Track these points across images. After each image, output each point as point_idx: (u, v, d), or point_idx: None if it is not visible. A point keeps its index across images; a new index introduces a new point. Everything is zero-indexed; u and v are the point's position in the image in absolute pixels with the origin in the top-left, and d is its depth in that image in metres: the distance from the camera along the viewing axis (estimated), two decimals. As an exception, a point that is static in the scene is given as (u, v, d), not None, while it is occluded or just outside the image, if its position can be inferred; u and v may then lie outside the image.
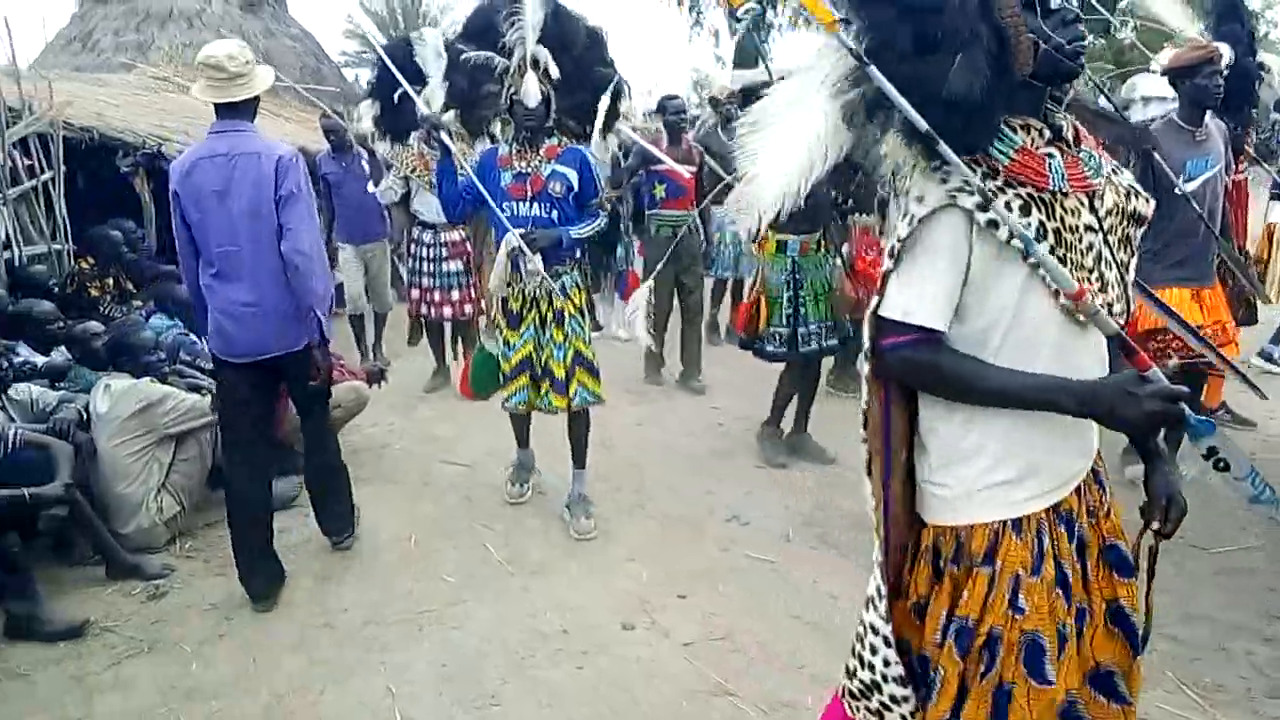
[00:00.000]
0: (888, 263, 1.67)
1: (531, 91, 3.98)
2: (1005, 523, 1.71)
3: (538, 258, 4.05)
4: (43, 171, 6.41)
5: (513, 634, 3.47)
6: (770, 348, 4.90)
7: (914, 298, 1.64)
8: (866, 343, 1.73)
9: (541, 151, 4.10)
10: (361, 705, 3.07)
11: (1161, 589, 3.66)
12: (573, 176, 4.10)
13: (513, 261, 4.11)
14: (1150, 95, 5.37)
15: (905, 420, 1.81)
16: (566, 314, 4.18)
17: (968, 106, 1.52)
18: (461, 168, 4.11)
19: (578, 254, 4.25)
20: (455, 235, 6.28)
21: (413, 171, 6.08)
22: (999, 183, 1.61)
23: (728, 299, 7.93)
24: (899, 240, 1.65)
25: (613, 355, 6.12)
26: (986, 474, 1.71)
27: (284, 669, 3.28)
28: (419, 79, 5.54)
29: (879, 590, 1.82)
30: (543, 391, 4.25)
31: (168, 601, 3.72)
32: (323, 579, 3.90)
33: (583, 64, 4.12)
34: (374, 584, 3.86)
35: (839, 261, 4.93)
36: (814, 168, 1.63)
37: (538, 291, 4.17)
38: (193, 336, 5.29)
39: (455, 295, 6.33)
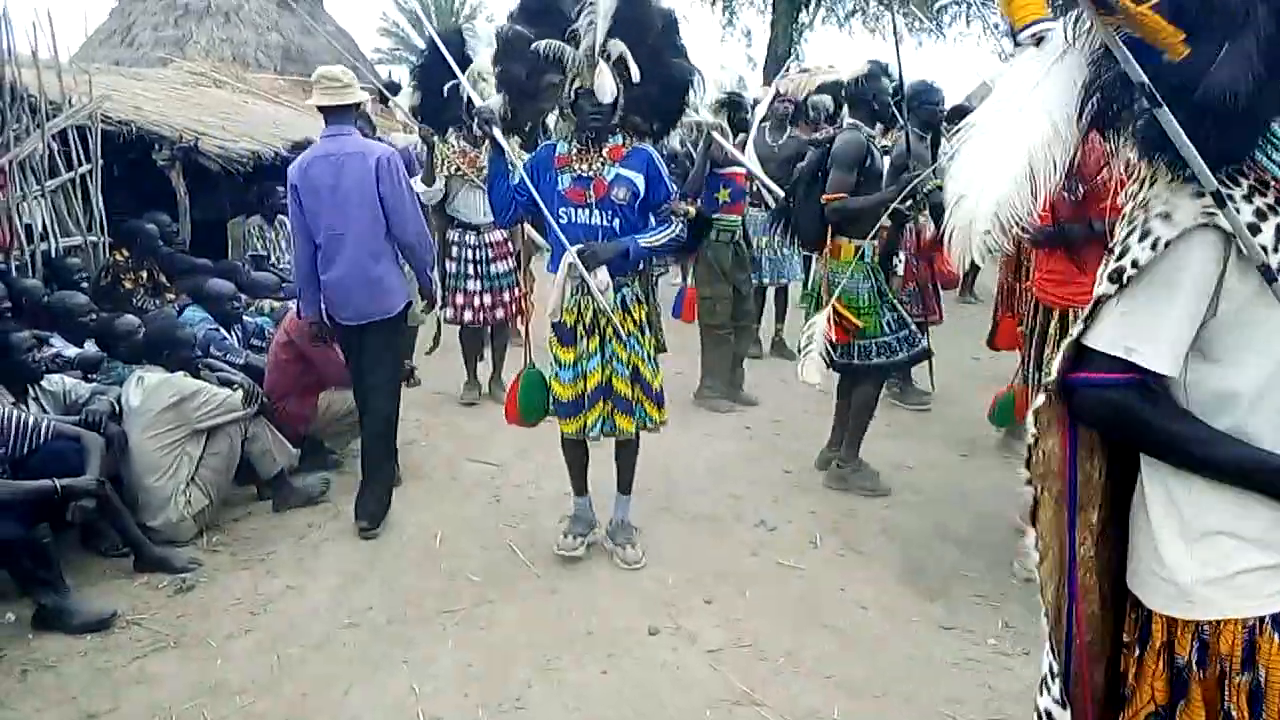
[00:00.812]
0: (1107, 285, 1.41)
1: (607, 86, 3.55)
2: (1265, 619, 1.38)
3: (602, 272, 3.64)
4: (80, 164, 6.47)
5: (538, 635, 3.46)
6: (883, 359, 4.57)
7: (1140, 332, 1.38)
8: (1054, 373, 1.49)
9: (605, 153, 3.69)
10: (385, 705, 3.06)
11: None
12: (639, 181, 3.68)
13: (575, 280, 3.70)
14: None
15: (1099, 471, 1.53)
16: (626, 330, 3.75)
17: (1232, 106, 1.26)
18: (513, 167, 3.76)
19: (640, 265, 3.86)
20: (499, 235, 5.87)
21: (456, 170, 5.73)
22: (1270, 199, 1.34)
23: (771, 308, 7.44)
24: (1132, 264, 1.38)
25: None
26: (1239, 556, 1.40)
27: (309, 667, 3.27)
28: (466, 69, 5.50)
29: (1052, 670, 1.53)
30: (610, 414, 3.79)
31: (194, 596, 3.73)
32: (349, 577, 3.90)
33: (656, 54, 3.67)
34: (399, 582, 3.86)
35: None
36: (1037, 177, 1.41)
37: (595, 307, 3.74)
38: (222, 331, 5.31)
39: (507, 296, 5.96)
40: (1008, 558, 3.96)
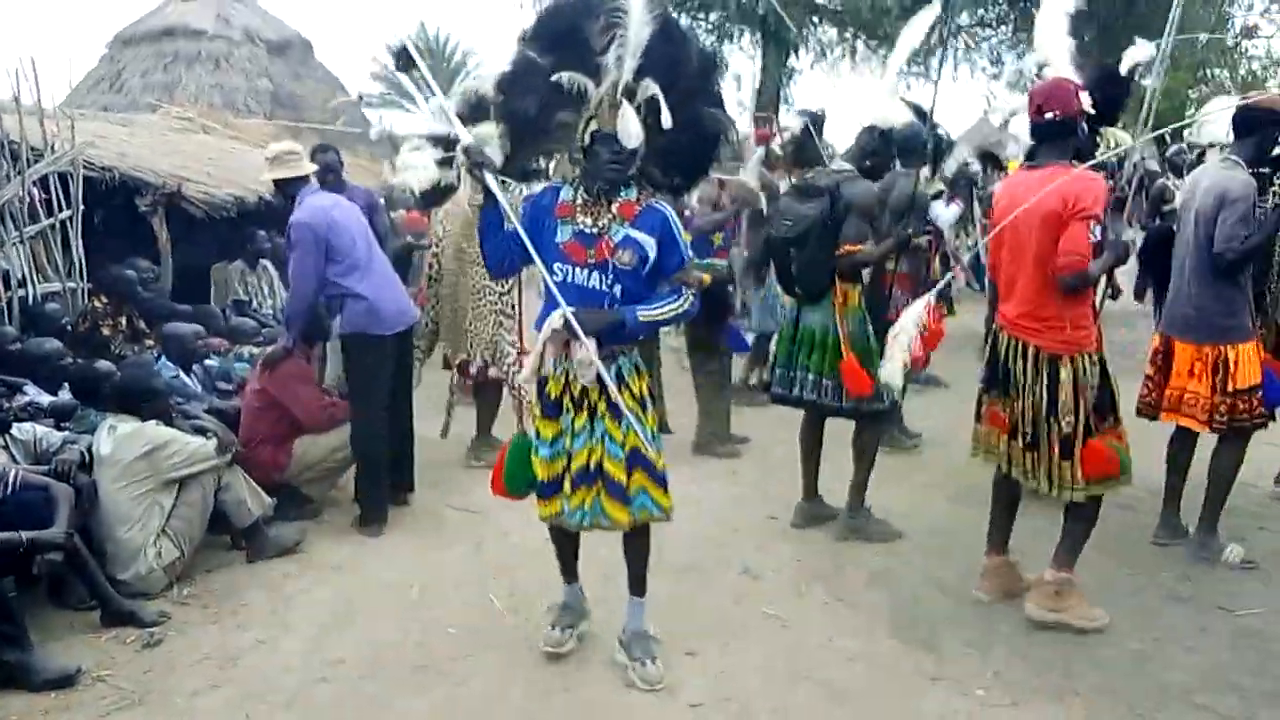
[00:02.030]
0: None
1: (632, 131, 3.10)
2: None
3: (591, 343, 3.13)
4: (61, 209, 6.43)
5: (517, 690, 3.36)
6: (880, 405, 4.53)
7: None
8: None
9: (615, 208, 3.20)
10: (355, 765, 2.96)
11: (1189, 649, 3.55)
12: (650, 246, 3.19)
13: (558, 343, 3.24)
14: None
15: None
16: (624, 404, 3.24)
17: None
18: (508, 218, 3.25)
19: (639, 337, 3.41)
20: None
21: None
22: None
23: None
24: None
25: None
26: None
27: (277, 724, 3.17)
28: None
29: None
30: (596, 500, 3.31)
31: (162, 650, 3.62)
32: (323, 629, 3.80)
33: (688, 99, 3.21)
34: (375, 635, 3.75)
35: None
36: None
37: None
38: (184, 378, 5.24)
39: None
40: (998, 605, 3.91)
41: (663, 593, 4.07)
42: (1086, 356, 3.63)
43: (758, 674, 3.46)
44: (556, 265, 3.23)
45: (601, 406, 3.27)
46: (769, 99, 15.71)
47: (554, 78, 3.14)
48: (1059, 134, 3.64)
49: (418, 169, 5.10)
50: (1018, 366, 3.72)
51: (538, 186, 3.52)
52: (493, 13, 65.13)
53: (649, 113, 3.14)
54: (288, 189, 4.92)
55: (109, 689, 3.36)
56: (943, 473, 5.59)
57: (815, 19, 16.80)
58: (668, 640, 3.66)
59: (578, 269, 3.22)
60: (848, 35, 16.89)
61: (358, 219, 5.00)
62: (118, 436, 4.06)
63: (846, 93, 16.32)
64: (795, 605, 4.01)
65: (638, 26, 3.06)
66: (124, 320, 6.06)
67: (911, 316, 3.74)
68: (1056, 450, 3.63)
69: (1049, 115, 3.62)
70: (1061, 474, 3.64)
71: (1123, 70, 4.61)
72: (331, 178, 6.17)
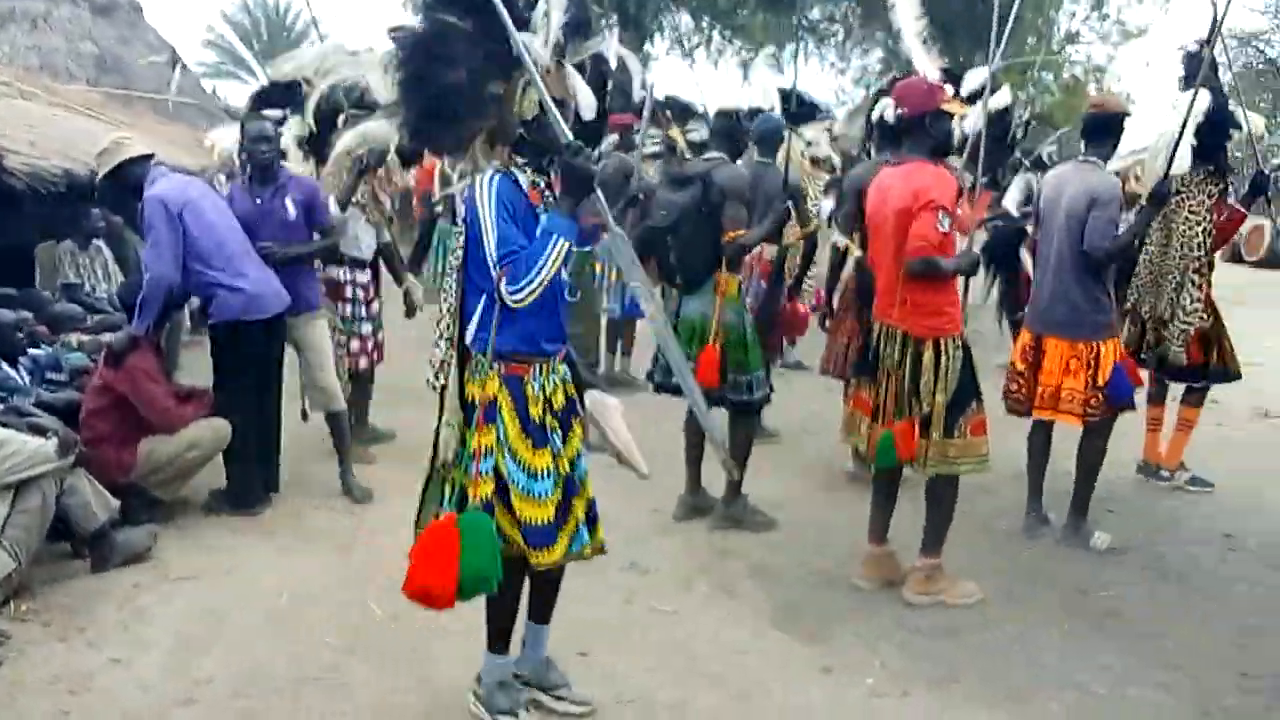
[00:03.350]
0: None
1: (588, 98, 2.79)
2: None
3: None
4: None
5: (404, 699, 3.20)
6: (749, 396, 4.57)
7: None
8: None
9: (558, 188, 2.84)
10: (232, 793, 2.75)
11: (1061, 631, 3.73)
12: None
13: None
14: None
15: None
16: (577, 403, 3.01)
17: None
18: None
19: None
20: (367, 275, 5.58)
21: (356, 202, 5.36)
22: None
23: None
24: None
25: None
26: None
27: (140, 753, 2.91)
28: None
29: None
30: (579, 522, 2.97)
31: (2, 674, 3.26)
32: (183, 644, 3.51)
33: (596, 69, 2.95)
34: (243, 649, 3.50)
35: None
36: None
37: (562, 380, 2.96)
38: (7, 370, 4.75)
39: (371, 343, 5.60)
40: (879, 593, 4.00)
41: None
42: (950, 340, 3.80)
43: (653, 674, 3.41)
44: None
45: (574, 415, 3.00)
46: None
47: (490, 42, 2.67)
48: (909, 129, 3.86)
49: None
50: (885, 350, 3.90)
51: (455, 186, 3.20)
52: (334, -17, 62.68)
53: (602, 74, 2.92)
54: (129, 177, 4.62)
55: (-62, 722, 3.01)
56: (815, 461, 5.69)
57: (673, 4, 16.91)
58: (559, 640, 3.54)
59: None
60: (704, 24, 17.06)
61: (220, 202, 4.75)
62: (-60, 438, 3.64)
63: (702, 80, 16.43)
64: (683, 599, 4.00)
65: None
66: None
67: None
68: (916, 430, 3.79)
69: (899, 111, 3.87)
70: (920, 452, 3.82)
71: (964, 93, 4.73)
72: (261, 155, 4.82)
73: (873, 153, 5.32)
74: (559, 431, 2.89)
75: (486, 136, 2.83)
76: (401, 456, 5.34)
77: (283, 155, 5.08)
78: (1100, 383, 4.28)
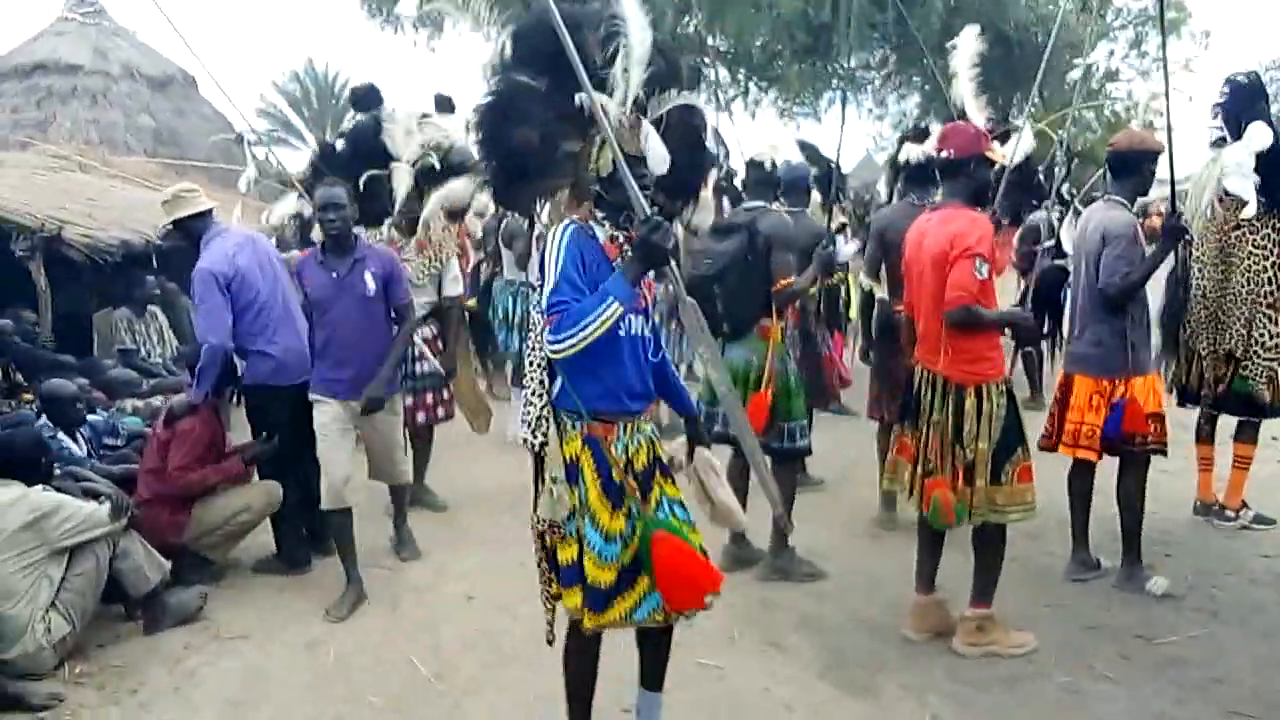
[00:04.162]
0: None
1: (661, 154, 2.68)
2: None
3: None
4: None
5: (445, 761, 3.20)
6: (793, 444, 4.58)
7: None
8: None
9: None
10: None
11: (1114, 681, 3.62)
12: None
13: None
14: None
15: None
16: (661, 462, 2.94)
17: None
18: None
19: None
20: (430, 331, 5.59)
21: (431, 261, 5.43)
22: None
23: None
24: None
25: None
26: None
27: (188, 816, 2.93)
28: (384, 160, 5.31)
29: None
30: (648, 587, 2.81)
31: (55, 738, 3.34)
32: (232, 707, 3.56)
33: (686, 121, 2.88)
34: (289, 709, 3.53)
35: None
36: None
37: (647, 440, 2.90)
38: (64, 440, 4.90)
39: (430, 399, 5.55)
40: (927, 644, 3.92)
41: (594, 647, 3.96)
42: (994, 386, 3.73)
43: (699, 730, 3.37)
44: (621, 319, 2.67)
45: (657, 474, 2.89)
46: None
47: (564, 100, 2.67)
48: (952, 172, 3.85)
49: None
50: (927, 397, 3.84)
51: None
52: (383, 49, 64.52)
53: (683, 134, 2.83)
54: (191, 231, 4.77)
55: (-6, 786, 3.06)
56: (862, 508, 5.62)
57: (706, 60, 17.09)
58: (602, 695, 3.53)
59: (636, 317, 2.80)
60: (740, 77, 17.21)
61: (270, 266, 4.80)
62: (-1, 505, 3.74)
63: (740, 132, 16.49)
64: (729, 653, 3.95)
65: (639, 33, 2.67)
66: (1, 373, 5.67)
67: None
68: (961, 478, 3.72)
69: (944, 154, 3.85)
70: (964, 500, 3.74)
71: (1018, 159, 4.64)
72: (335, 227, 4.47)
73: (895, 197, 5.34)
74: (636, 495, 2.79)
75: (569, 192, 2.83)
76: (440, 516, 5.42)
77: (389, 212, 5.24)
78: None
